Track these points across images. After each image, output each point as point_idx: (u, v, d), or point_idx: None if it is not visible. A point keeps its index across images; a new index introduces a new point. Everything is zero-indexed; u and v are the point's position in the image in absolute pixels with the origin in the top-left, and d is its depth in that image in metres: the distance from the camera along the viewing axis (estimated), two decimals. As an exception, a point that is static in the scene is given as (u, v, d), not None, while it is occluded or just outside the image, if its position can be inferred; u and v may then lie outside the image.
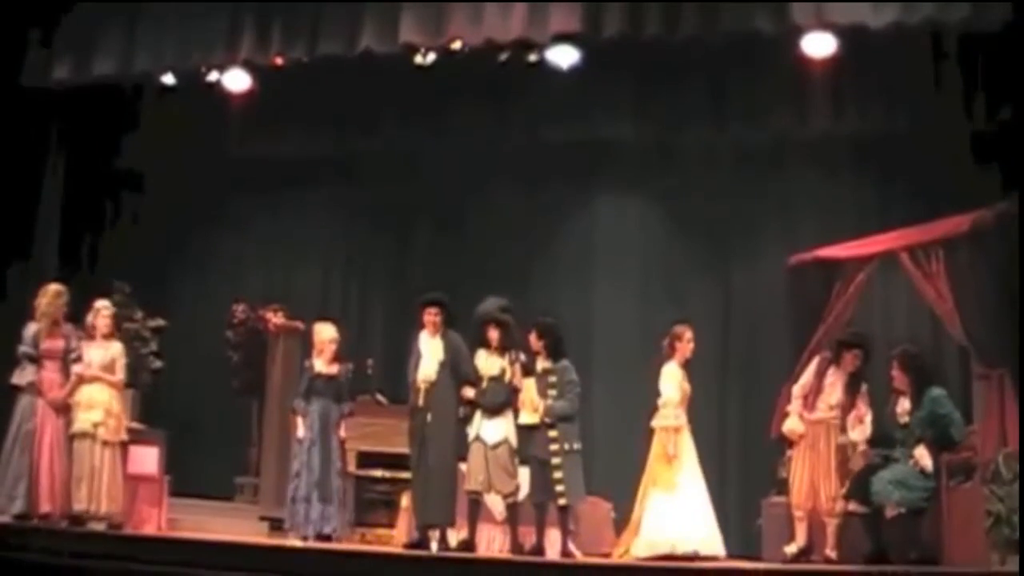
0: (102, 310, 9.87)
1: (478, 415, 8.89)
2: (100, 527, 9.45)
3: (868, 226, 10.54)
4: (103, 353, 9.75)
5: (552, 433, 8.68)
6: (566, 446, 8.66)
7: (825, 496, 8.69)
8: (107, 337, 9.82)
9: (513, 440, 8.81)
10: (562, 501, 8.64)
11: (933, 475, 8.14)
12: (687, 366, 9.06)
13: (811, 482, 8.76)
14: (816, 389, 8.97)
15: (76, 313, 9.87)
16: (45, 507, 9.38)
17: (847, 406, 8.80)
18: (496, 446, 8.76)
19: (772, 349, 9.33)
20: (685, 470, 8.85)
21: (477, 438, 8.82)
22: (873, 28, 8.98)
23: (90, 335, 9.77)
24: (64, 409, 9.56)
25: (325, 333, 9.67)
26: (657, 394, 9.02)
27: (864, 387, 8.84)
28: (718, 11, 9.21)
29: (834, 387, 8.91)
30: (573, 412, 8.79)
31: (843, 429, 8.80)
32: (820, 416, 8.91)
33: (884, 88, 10.62)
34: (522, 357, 8.92)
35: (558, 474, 8.61)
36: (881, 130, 10.84)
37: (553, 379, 8.80)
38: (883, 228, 10.27)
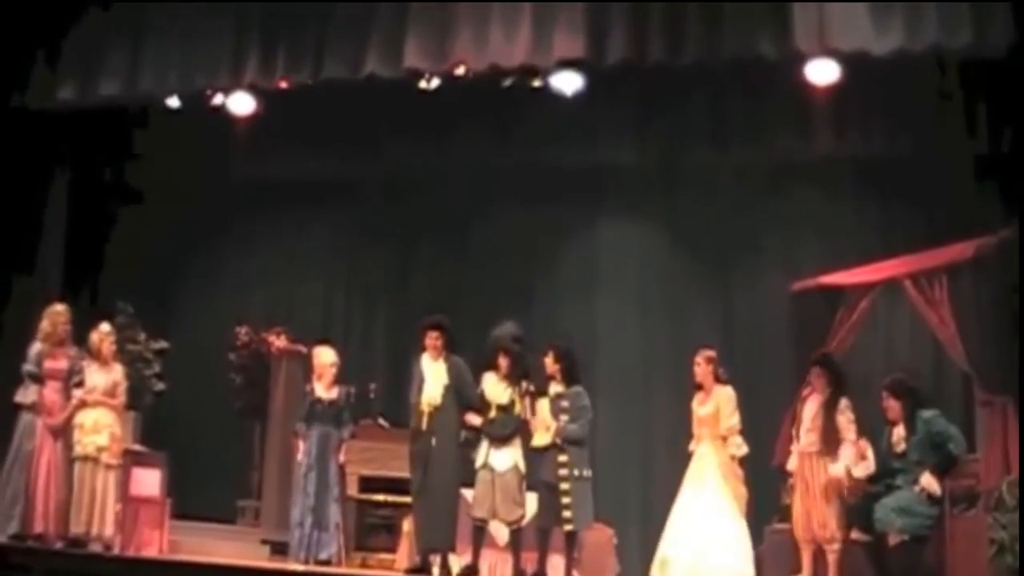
0: (108, 334, 9.84)
1: (486, 443, 8.83)
2: (96, 549, 9.41)
3: (870, 249, 10.56)
4: (106, 377, 9.74)
5: (562, 458, 8.64)
6: (575, 472, 8.62)
7: (817, 524, 8.63)
8: (110, 361, 9.80)
9: (522, 467, 8.77)
10: (568, 527, 8.60)
11: (936, 502, 8.10)
12: (701, 389, 9.06)
13: (806, 511, 8.71)
14: (800, 419, 8.93)
15: (80, 334, 9.87)
16: (39, 527, 9.35)
17: (824, 430, 8.73)
18: (505, 473, 8.70)
19: (775, 372, 9.35)
20: (681, 493, 8.82)
21: (486, 466, 8.75)
22: (876, 54, 8.99)
23: (95, 358, 9.74)
24: (62, 431, 9.53)
25: (324, 357, 9.66)
26: None
27: (849, 412, 8.76)
28: (721, 37, 9.22)
29: (810, 414, 8.87)
30: (584, 437, 8.77)
31: (823, 453, 8.72)
32: (805, 446, 8.86)
33: (887, 112, 10.68)
34: (531, 388, 8.88)
35: (567, 499, 8.56)
36: (884, 154, 10.88)
37: (566, 403, 8.77)
38: (886, 251, 10.30)
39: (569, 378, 8.84)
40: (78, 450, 9.50)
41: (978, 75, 9.93)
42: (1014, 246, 8.92)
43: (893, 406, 8.40)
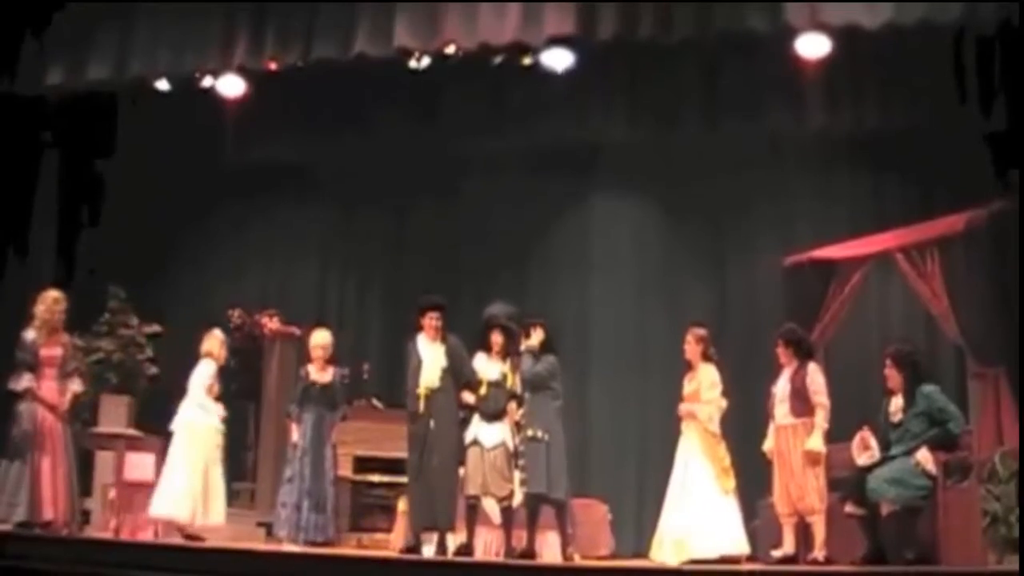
0: (222, 341, 10.09)
1: (476, 419, 8.84)
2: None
3: (863, 224, 10.59)
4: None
5: (516, 417, 8.68)
6: (528, 432, 8.60)
7: (795, 496, 8.56)
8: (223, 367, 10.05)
9: (510, 444, 8.77)
10: (524, 489, 8.53)
11: (930, 475, 8.09)
12: (689, 367, 9.03)
13: (784, 485, 8.66)
14: (772, 396, 8.90)
15: (72, 318, 9.84)
16: (48, 514, 9.31)
17: (795, 399, 8.63)
18: (493, 449, 8.71)
19: (768, 348, 9.34)
20: (673, 471, 8.84)
21: (475, 442, 8.76)
22: (867, 28, 8.97)
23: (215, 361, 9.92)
24: (63, 418, 9.49)
25: (316, 339, 9.62)
26: None
27: (818, 376, 8.66)
28: (712, 12, 9.20)
29: (781, 388, 8.83)
30: (539, 383, 8.67)
31: (797, 423, 8.62)
32: (779, 419, 8.79)
33: (878, 85, 10.66)
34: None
35: (521, 460, 8.57)
36: (875, 127, 10.87)
37: (538, 362, 8.76)
38: (878, 226, 10.32)
39: (545, 350, 8.81)
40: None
41: (970, 47, 9.94)
42: (1006, 218, 8.93)
43: (894, 375, 8.34)
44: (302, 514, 9.21)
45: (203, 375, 9.85)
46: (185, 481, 9.50)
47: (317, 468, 9.27)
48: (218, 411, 9.88)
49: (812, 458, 8.52)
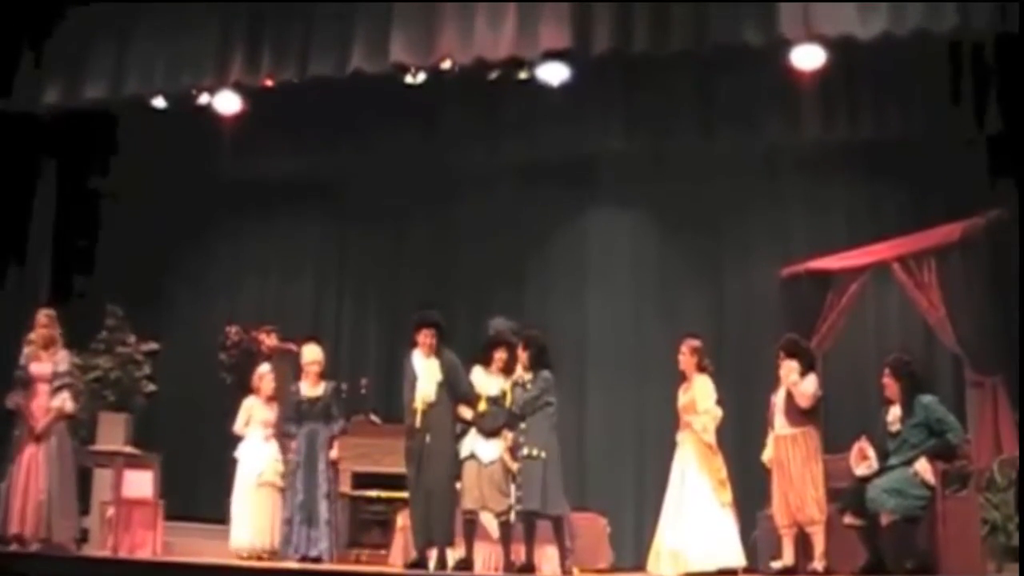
0: (268, 373, 10.15)
1: (473, 433, 8.80)
2: None
3: (860, 234, 10.61)
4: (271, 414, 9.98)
5: (511, 436, 8.59)
6: (524, 451, 8.53)
7: (795, 507, 8.52)
8: (274, 399, 10.05)
9: (509, 459, 8.73)
10: (518, 507, 8.47)
11: (929, 485, 8.07)
12: (683, 378, 8.99)
13: (783, 495, 8.62)
14: (772, 406, 8.86)
15: (69, 335, 9.83)
16: (14, 527, 9.26)
17: (792, 409, 8.66)
18: (491, 464, 8.67)
19: (766, 359, 9.34)
20: (669, 483, 8.79)
21: (472, 456, 8.71)
22: (862, 39, 9.00)
23: (257, 396, 10.09)
24: (45, 434, 9.42)
25: (307, 355, 9.62)
26: None
27: (816, 389, 8.71)
28: (707, 25, 9.22)
29: (781, 398, 8.79)
30: (530, 412, 8.58)
31: (796, 432, 8.61)
32: (778, 430, 8.76)
33: (873, 96, 10.68)
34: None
35: (518, 479, 8.50)
36: (871, 137, 10.89)
37: (529, 387, 8.73)
38: (875, 236, 10.32)
39: (536, 364, 8.77)
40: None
41: (965, 57, 9.96)
42: (1003, 227, 8.94)
43: (892, 385, 8.31)
44: (294, 528, 9.20)
45: (241, 410, 10.09)
46: (237, 511, 9.84)
47: (310, 482, 9.26)
48: (259, 441, 9.97)
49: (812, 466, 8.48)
